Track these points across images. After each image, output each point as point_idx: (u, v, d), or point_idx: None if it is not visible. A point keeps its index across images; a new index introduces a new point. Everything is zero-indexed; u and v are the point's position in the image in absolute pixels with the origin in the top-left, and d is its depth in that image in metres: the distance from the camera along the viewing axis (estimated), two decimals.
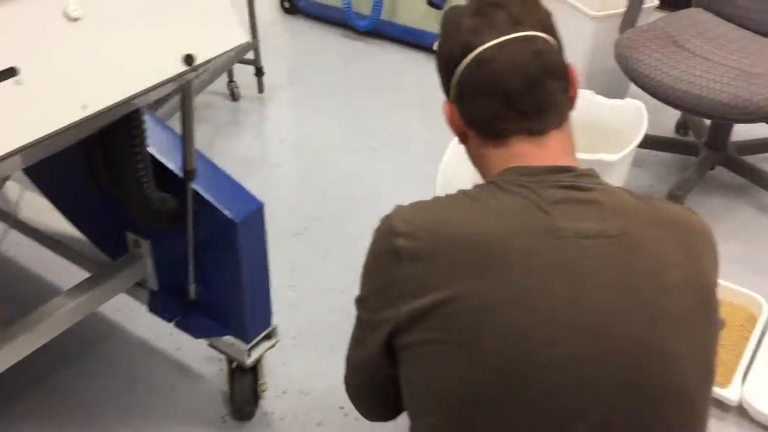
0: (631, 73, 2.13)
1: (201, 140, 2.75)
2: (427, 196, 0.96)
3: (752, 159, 2.40)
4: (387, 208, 0.96)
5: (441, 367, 0.87)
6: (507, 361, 0.83)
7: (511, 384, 0.83)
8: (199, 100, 2.83)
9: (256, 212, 1.40)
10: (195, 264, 1.47)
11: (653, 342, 0.85)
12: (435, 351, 0.87)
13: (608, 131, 2.12)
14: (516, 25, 0.93)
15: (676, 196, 2.20)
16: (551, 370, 0.83)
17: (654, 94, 2.08)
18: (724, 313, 1.88)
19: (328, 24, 3.40)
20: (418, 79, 3.01)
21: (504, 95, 0.93)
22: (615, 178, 1.93)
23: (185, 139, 1.27)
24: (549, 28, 0.97)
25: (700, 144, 2.36)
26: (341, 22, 3.30)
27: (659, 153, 2.51)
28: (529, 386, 0.83)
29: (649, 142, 2.47)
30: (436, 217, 0.90)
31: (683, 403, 0.87)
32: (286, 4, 3.52)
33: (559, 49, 0.97)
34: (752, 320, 1.86)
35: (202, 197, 1.38)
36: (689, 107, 2.01)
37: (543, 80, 0.92)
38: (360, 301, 0.99)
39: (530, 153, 0.93)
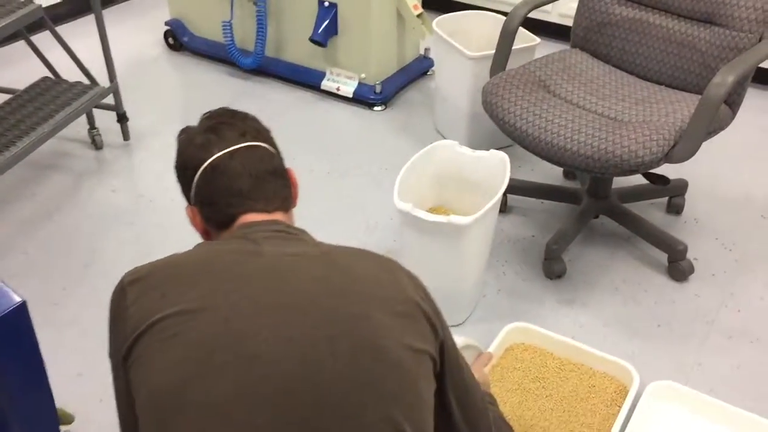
0: (497, 121, 1.98)
1: (57, 192, 2.56)
2: None
3: (636, 206, 2.28)
4: None
5: (155, 364, 0.95)
6: (214, 339, 0.93)
7: (224, 354, 0.92)
8: (55, 148, 2.61)
9: (13, 312, 1.19)
10: None
11: (351, 318, 0.96)
12: (148, 355, 0.96)
13: (474, 183, 1.97)
14: (242, 137, 1.13)
15: (552, 250, 2.05)
16: (259, 343, 0.93)
17: (521, 143, 1.94)
18: (593, 383, 1.73)
19: (215, 61, 3.22)
20: (304, 120, 2.84)
21: (237, 191, 1.10)
22: (474, 238, 1.77)
23: None
24: (269, 139, 1.18)
25: (583, 192, 2.23)
26: (228, 59, 3.12)
27: (546, 201, 2.38)
28: (238, 357, 0.92)
29: (534, 191, 2.35)
30: (158, 260, 1.04)
31: (381, 356, 0.95)
32: (171, 40, 3.33)
33: (278, 156, 1.18)
34: (623, 392, 1.71)
35: None
36: (554, 159, 1.87)
37: (267, 178, 1.12)
38: (108, 357, 1.05)
39: (256, 219, 1.10)
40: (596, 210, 2.22)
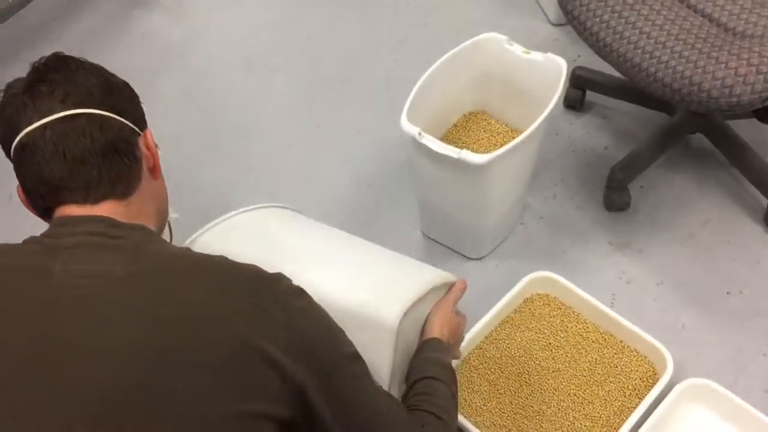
0: (570, 18, 1.52)
1: (90, 28, 2.36)
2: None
3: (747, 125, 1.78)
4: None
5: None
6: None
7: None
8: None
9: None
10: None
11: (130, 394, 0.73)
12: None
13: (523, 90, 1.58)
14: (61, 104, 0.85)
15: (617, 179, 1.66)
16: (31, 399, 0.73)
17: (593, 48, 1.50)
18: (616, 363, 1.42)
19: None
20: None
21: (48, 179, 0.86)
22: (498, 176, 1.42)
23: None
24: (106, 100, 0.88)
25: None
26: None
27: (633, 104, 1.92)
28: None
29: (618, 90, 1.90)
30: None
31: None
32: None
33: (119, 122, 0.88)
34: (651, 381, 1.41)
35: None
36: (628, 76, 1.43)
37: (89, 159, 0.86)
38: None
39: (73, 213, 0.86)
40: (692, 127, 1.75)
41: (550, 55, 1.51)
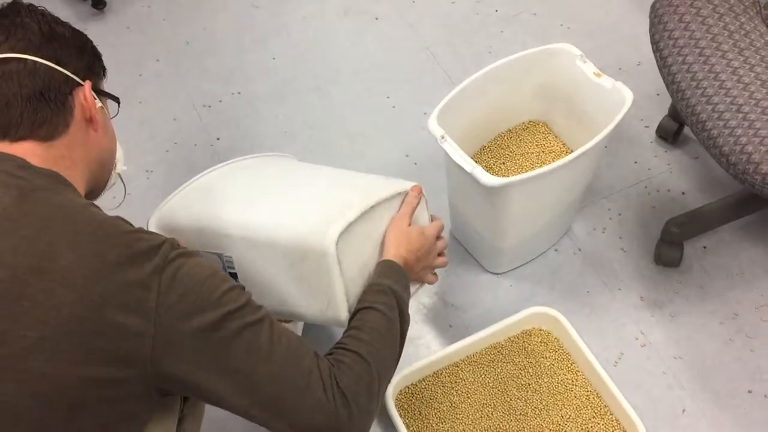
0: (655, 54, 1.35)
1: None
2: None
3: None
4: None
5: None
6: None
7: None
8: None
9: None
10: None
11: None
12: None
13: (584, 113, 1.45)
14: None
15: (671, 233, 1.50)
16: None
17: (672, 97, 1.32)
18: (590, 428, 1.33)
19: None
20: None
21: None
22: (518, 199, 1.32)
23: None
24: (42, 47, 0.91)
25: None
26: None
27: None
28: None
29: None
30: None
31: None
32: None
33: (53, 69, 0.90)
34: None
35: None
36: (695, 133, 1.27)
37: (15, 103, 0.89)
38: None
39: None
40: None
41: (619, 85, 1.36)
